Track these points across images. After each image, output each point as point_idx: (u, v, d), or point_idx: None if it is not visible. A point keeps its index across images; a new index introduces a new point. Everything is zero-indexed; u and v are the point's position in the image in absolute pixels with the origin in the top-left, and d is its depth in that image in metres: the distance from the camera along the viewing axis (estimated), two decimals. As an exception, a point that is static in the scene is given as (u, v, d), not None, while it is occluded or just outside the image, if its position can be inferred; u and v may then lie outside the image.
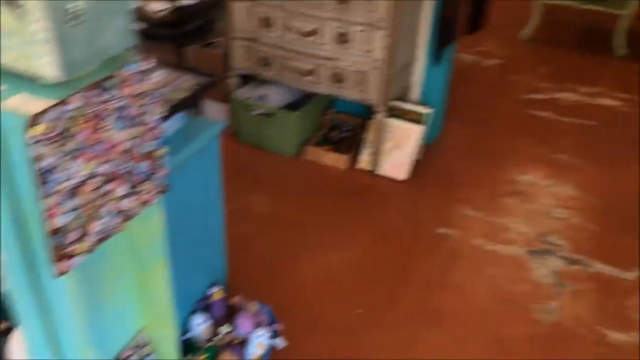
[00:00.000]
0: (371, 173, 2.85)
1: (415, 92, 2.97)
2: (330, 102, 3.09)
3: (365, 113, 2.94)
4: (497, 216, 2.63)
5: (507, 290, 2.28)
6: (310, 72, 2.67)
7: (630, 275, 2.34)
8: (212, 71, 2.92)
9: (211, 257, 2.04)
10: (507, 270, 2.36)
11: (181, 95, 1.68)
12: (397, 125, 2.84)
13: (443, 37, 2.65)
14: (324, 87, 2.70)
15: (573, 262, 2.40)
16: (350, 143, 2.98)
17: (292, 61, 2.68)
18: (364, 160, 2.86)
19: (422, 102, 2.97)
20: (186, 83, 1.73)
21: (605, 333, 2.10)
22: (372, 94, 2.62)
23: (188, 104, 1.69)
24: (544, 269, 2.36)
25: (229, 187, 2.74)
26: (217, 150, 1.84)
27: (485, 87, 3.68)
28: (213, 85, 1.73)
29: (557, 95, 3.58)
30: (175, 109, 1.65)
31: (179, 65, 2.89)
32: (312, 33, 2.57)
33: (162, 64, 1.67)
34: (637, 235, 2.53)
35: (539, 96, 3.57)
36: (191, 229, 1.85)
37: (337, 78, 2.63)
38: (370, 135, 2.84)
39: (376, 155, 2.81)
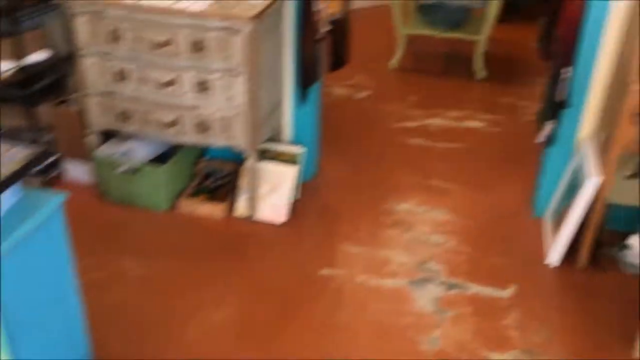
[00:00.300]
0: (249, 219, 2.78)
1: (287, 132, 2.96)
2: (203, 149, 3.00)
3: (240, 158, 2.88)
4: (379, 249, 2.65)
5: (392, 324, 2.27)
6: (173, 123, 2.57)
7: (506, 293, 2.42)
8: (69, 130, 2.77)
9: (70, 335, 1.87)
10: (391, 304, 2.36)
11: (12, 168, 1.54)
12: (271, 168, 2.80)
13: (305, 77, 2.67)
14: (189, 137, 2.61)
15: (451, 286, 2.44)
16: (226, 190, 2.90)
17: (152, 114, 2.58)
18: (241, 207, 2.79)
19: (295, 142, 2.96)
20: (18, 155, 1.58)
21: (485, 355, 2.14)
22: (240, 140, 2.56)
23: (20, 177, 1.54)
24: (425, 298, 2.39)
25: (99, 253, 2.58)
26: (62, 222, 1.69)
27: (359, 119, 3.74)
28: (47, 155, 1.60)
29: (427, 121, 3.71)
30: (5, 184, 1.51)
31: (30, 126, 2.71)
32: (170, 83, 2.49)
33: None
34: (509, 252, 2.63)
35: (411, 124, 3.68)
36: (42, 311, 1.68)
37: (202, 127, 2.56)
38: (244, 181, 2.78)
39: (253, 201, 2.75)
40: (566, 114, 2.56)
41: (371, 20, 5.12)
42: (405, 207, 2.93)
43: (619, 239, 2.60)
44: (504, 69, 4.37)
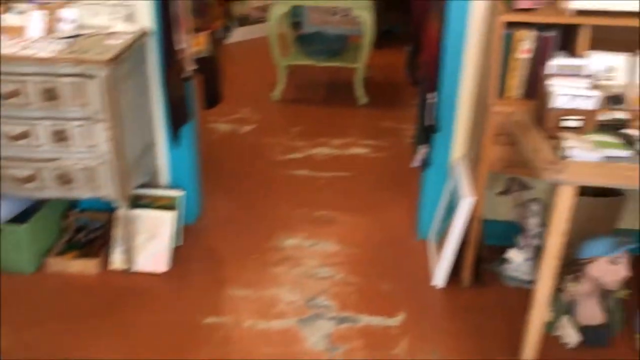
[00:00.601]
0: (127, 272, 2.60)
1: (163, 176, 2.83)
2: (72, 201, 2.80)
3: (114, 207, 2.70)
4: (267, 289, 2.56)
5: (283, 368, 2.19)
6: (31, 178, 2.37)
7: (395, 321, 2.40)
8: None
9: None
10: (280, 347, 2.27)
11: None
12: (147, 215, 2.65)
13: (175, 117, 2.56)
14: (51, 191, 2.41)
15: (342, 321, 2.40)
16: (100, 243, 2.70)
17: (6, 169, 2.36)
18: (117, 260, 2.61)
19: (173, 185, 2.83)
20: None
21: (378, 390, 2.11)
22: (107, 190, 2.40)
23: None
24: (315, 336, 2.32)
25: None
26: None
27: (244, 154, 3.67)
28: None
29: (313, 151, 3.70)
30: None
31: None
32: (23, 136, 2.29)
33: None
34: (397, 278, 2.63)
35: (296, 155, 3.65)
36: None
37: (65, 179, 2.37)
38: (119, 232, 2.61)
39: (129, 252, 2.58)
40: (438, 137, 2.62)
41: (253, 52, 5.11)
42: (292, 242, 2.87)
43: (499, 254, 2.67)
44: (384, 94, 4.47)
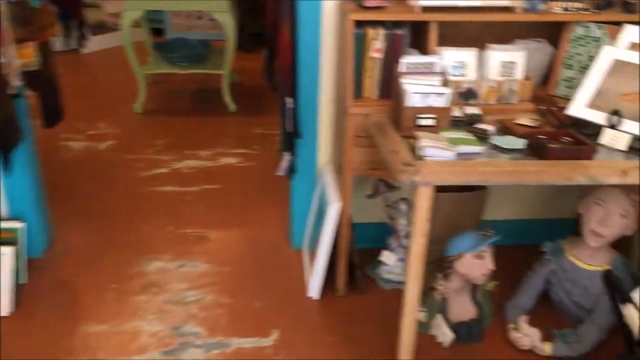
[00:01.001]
0: (-41, 321, 2.27)
1: (1, 208, 2.50)
2: None
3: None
4: (127, 322, 2.32)
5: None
6: None
7: (269, 340, 2.27)
8: None
9: None
10: (143, 386, 2.06)
11: None
12: (-19, 253, 2.32)
13: (4, 140, 2.25)
14: None
15: (211, 347, 2.22)
16: None
17: None
18: (-54, 308, 2.27)
19: (12, 216, 2.51)
20: None
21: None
22: None
23: None
24: (182, 369, 2.14)
25: None
26: None
27: (102, 173, 3.37)
28: None
29: (179, 165, 3.48)
30: None
31: None
32: None
33: None
34: (271, 293, 2.50)
35: (161, 170, 3.41)
36: None
37: None
38: (-54, 275, 2.26)
39: (-39, 297, 2.24)
40: (302, 143, 2.52)
41: (110, 62, 4.79)
42: (157, 265, 2.65)
43: (373, 257, 2.63)
44: (254, 100, 4.34)
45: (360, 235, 2.60)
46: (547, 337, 2.21)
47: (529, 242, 2.75)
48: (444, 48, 2.18)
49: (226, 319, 2.36)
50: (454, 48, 2.19)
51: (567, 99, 2.20)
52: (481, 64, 2.21)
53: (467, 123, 2.05)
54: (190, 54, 4.10)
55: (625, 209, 2.09)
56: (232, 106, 4.13)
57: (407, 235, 2.52)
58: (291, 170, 2.53)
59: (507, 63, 2.20)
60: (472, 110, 2.11)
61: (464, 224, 2.54)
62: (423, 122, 1.96)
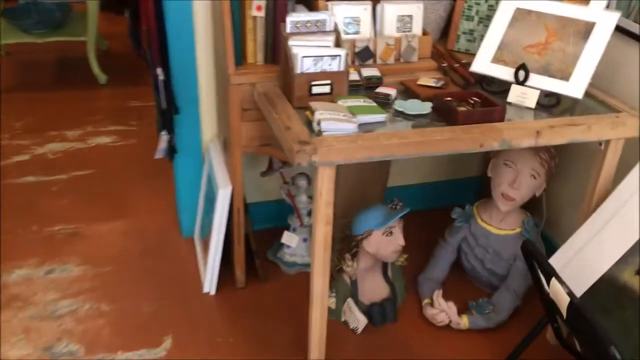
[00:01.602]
0: None
1: None
2: None
3: None
4: (-14, 349, 1.94)
5: None
6: None
7: (161, 349, 1.97)
8: None
9: None
10: None
11: None
12: None
13: None
14: None
15: (93, 368, 1.91)
16: None
17: None
18: None
19: None
20: None
21: None
22: None
23: None
24: (57, 400, 1.81)
25: None
26: None
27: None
28: None
29: (43, 149, 3.02)
30: None
31: None
32: None
33: None
34: (161, 293, 2.19)
35: (20, 158, 2.94)
36: None
37: None
38: None
39: None
40: (181, 119, 2.19)
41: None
42: (19, 274, 2.24)
43: (273, 239, 2.38)
44: (128, 68, 3.86)
45: (256, 216, 2.34)
46: (463, 310, 2.09)
47: (435, 205, 2.64)
48: (334, 2, 1.91)
49: (109, 330, 2.03)
50: (345, 2, 1.93)
51: (470, 54, 2.02)
52: (376, 19, 1.98)
53: (366, 87, 1.83)
54: (47, 19, 3.55)
55: (535, 169, 1.98)
56: (102, 77, 3.65)
57: (310, 213, 2.30)
58: (171, 150, 2.20)
59: (404, 17, 1.98)
60: (370, 72, 1.88)
61: (368, 194, 2.35)
62: (317, 89, 1.70)
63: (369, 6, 1.94)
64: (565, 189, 2.26)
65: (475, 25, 2.06)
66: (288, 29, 1.74)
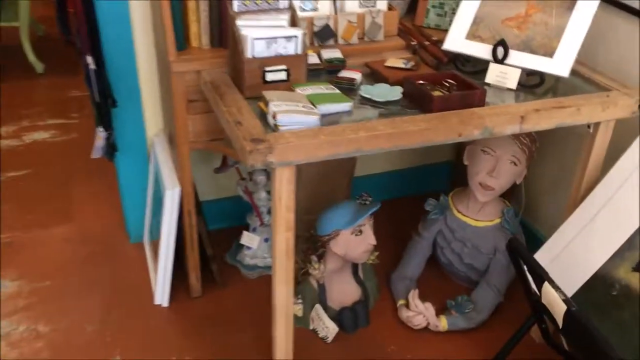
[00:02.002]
0: None
1: None
2: None
3: None
4: None
5: None
6: None
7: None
8: None
9: None
10: None
11: None
12: None
13: None
14: None
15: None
16: None
17: None
18: None
19: None
20: None
21: None
22: None
23: None
24: None
25: None
26: None
27: None
28: None
29: (-28, 149, 2.73)
30: None
31: None
32: None
33: None
34: (107, 306, 1.96)
35: (-54, 159, 2.64)
36: None
37: None
38: None
39: None
40: (121, 113, 1.94)
41: None
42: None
43: (231, 240, 2.17)
44: (67, 55, 3.52)
45: (212, 216, 2.13)
46: (441, 310, 1.93)
47: (405, 194, 2.47)
48: (287, -25, 1.69)
49: (47, 354, 1.79)
50: (301, -25, 1.71)
51: (441, 30, 1.83)
52: (335, -7, 1.76)
53: (327, 71, 1.62)
54: (-28, 3, 3.22)
55: (515, 155, 1.81)
56: (38, 66, 3.34)
57: (270, 211, 2.09)
58: (111, 149, 1.95)
59: (367, -10, 1.77)
60: (331, 53, 1.67)
61: (334, 187, 2.16)
62: (272, 76, 1.48)
63: (326, -21, 1.73)
64: (544, 172, 2.11)
65: (446, -2, 1.86)
66: (235, 7, 1.51)
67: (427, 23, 1.89)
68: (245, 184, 2.06)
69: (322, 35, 1.72)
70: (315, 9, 1.73)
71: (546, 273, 1.32)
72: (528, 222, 2.17)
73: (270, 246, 2.09)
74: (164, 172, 1.89)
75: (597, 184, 1.59)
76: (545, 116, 1.43)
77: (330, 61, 1.63)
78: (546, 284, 1.31)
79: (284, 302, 1.50)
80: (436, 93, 1.46)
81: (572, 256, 1.56)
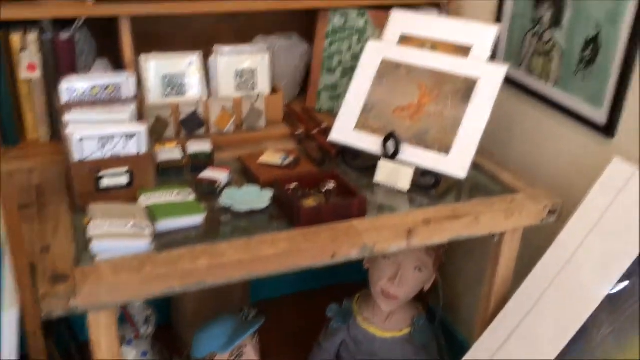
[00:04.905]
0: None
1: None
2: None
3: None
4: None
5: None
6: None
7: None
8: None
9: None
10: None
11: None
12: None
13: None
14: None
15: None
16: None
17: None
18: None
19: None
20: None
21: None
22: None
23: None
24: None
25: None
26: None
27: None
28: None
29: None
30: None
31: None
32: None
33: None
34: None
35: None
36: None
37: None
38: None
39: None
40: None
41: None
42: None
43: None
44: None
45: (82, 325, 1.80)
46: None
47: (316, 286, 2.19)
48: (148, 55, 1.45)
49: None
50: (165, 54, 1.47)
51: (333, 116, 1.60)
52: (209, 75, 1.52)
53: (192, 169, 1.36)
54: None
55: (420, 259, 1.56)
56: None
57: (148, 320, 1.78)
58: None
59: (245, 71, 1.54)
60: (200, 146, 1.41)
61: (228, 299, 1.86)
62: (109, 182, 1.21)
63: (196, 58, 1.49)
64: (462, 269, 1.87)
65: (339, 79, 1.64)
66: (65, 98, 1.25)
67: (319, 106, 1.67)
68: (116, 290, 1.75)
69: (189, 124, 1.47)
70: (181, 93, 1.48)
71: None
72: (449, 322, 1.92)
73: (148, 362, 1.78)
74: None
75: (510, 294, 1.34)
76: (437, 229, 1.18)
77: (194, 156, 1.38)
78: None
79: None
80: (308, 202, 1.21)
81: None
